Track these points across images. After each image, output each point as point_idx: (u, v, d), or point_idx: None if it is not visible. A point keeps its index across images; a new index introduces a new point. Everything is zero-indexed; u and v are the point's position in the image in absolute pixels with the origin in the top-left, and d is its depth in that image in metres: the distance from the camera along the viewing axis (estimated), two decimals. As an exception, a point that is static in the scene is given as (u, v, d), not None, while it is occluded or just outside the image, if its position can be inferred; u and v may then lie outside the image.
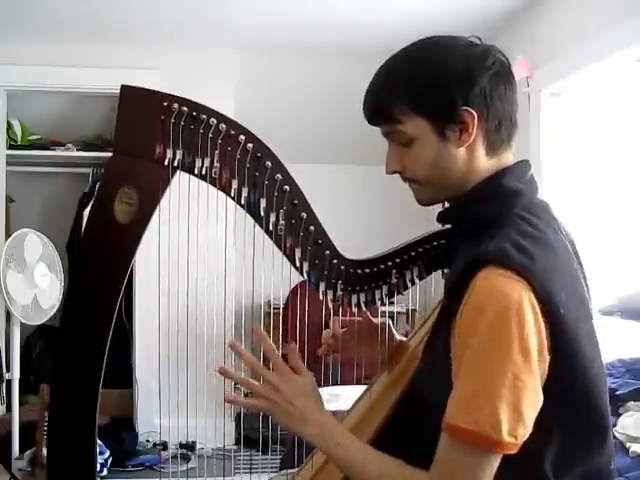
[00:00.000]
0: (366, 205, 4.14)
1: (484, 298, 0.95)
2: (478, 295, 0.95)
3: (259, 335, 1.15)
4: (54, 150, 4.02)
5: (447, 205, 1.15)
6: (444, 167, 1.07)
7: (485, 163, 1.08)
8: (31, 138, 4.08)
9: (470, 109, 1.03)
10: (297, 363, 1.14)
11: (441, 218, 1.16)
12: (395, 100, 1.06)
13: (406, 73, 1.07)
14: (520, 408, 0.92)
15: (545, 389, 0.95)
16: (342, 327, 1.40)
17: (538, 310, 0.94)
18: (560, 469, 1.00)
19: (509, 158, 1.11)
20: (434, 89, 1.04)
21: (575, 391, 0.99)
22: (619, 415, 2.05)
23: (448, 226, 1.23)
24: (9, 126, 3.86)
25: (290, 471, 1.41)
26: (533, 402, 0.94)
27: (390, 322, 1.39)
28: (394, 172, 1.12)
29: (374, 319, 1.37)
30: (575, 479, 1.02)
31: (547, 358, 0.95)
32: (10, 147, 3.82)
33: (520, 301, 0.93)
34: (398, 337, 1.43)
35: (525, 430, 0.93)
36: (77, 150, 4.03)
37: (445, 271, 1.31)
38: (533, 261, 0.96)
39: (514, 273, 0.94)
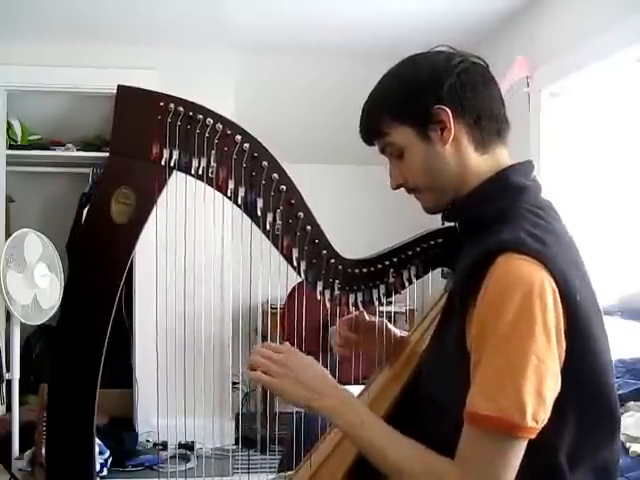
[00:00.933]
0: (366, 205, 4.14)
1: (505, 283, 0.96)
2: (498, 281, 0.96)
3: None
4: (54, 150, 4.02)
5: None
6: (437, 169, 1.11)
7: (477, 160, 1.10)
8: (31, 138, 4.08)
9: (443, 106, 1.08)
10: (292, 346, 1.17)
11: (447, 216, 1.18)
12: (378, 115, 1.13)
13: (384, 89, 1.15)
14: (543, 391, 0.93)
15: (560, 374, 0.96)
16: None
17: (557, 294, 0.95)
18: (574, 462, 1.01)
19: (504, 155, 1.13)
20: (408, 95, 1.10)
21: (586, 377, 1.00)
22: (619, 415, 2.05)
23: (447, 225, 1.24)
24: (9, 126, 3.86)
25: (289, 473, 1.41)
26: (553, 385, 0.95)
27: (386, 320, 1.40)
28: (399, 186, 1.17)
29: (370, 317, 1.38)
30: (587, 472, 1.03)
31: (564, 343, 0.96)
32: (10, 147, 3.82)
33: (542, 284, 0.94)
34: (398, 333, 1.43)
35: (545, 414, 0.94)
36: (77, 150, 4.03)
37: (445, 270, 1.31)
38: (548, 248, 0.98)
39: (532, 259, 0.96)
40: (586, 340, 0.99)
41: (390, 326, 1.41)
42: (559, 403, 0.96)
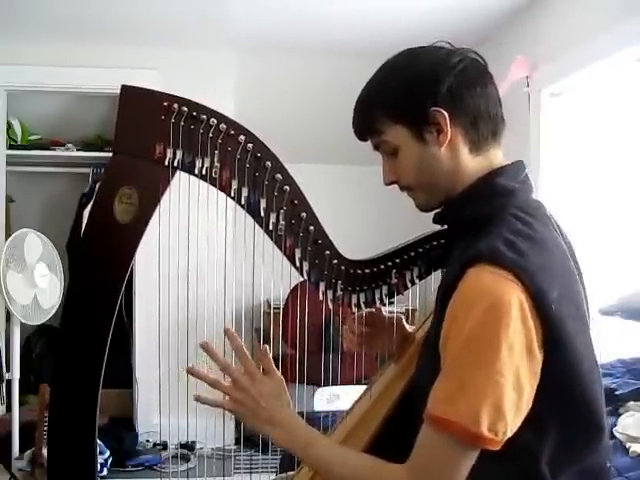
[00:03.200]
0: (365, 205, 4.14)
1: (472, 295, 0.96)
2: (466, 291, 0.96)
3: (229, 334, 1.14)
4: (54, 150, 4.02)
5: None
6: (430, 169, 1.10)
7: (471, 161, 1.09)
8: (31, 138, 4.08)
9: (440, 109, 1.06)
10: (268, 365, 1.15)
11: (437, 219, 1.17)
12: (373, 112, 1.11)
13: (379, 86, 1.12)
14: (502, 405, 0.93)
15: (538, 387, 0.96)
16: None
17: (528, 308, 0.94)
18: (556, 468, 1.01)
19: (498, 156, 1.12)
20: (404, 96, 1.08)
21: (565, 387, 1.00)
22: (619, 415, 2.05)
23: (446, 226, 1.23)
24: (9, 126, 3.86)
25: (290, 473, 1.42)
26: (515, 400, 0.94)
27: (402, 316, 1.40)
28: (391, 183, 1.16)
29: (386, 314, 1.38)
30: (571, 478, 1.03)
31: (539, 356, 0.95)
32: (10, 147, 3.82)
33: (509, 299, 0.93)
34: (409, 329, 1.43)
35: (506, 427, 0.94)
36: (77, 150, 4.03)
37: (445, 271, 1.31)
38: (525, 258, 0.97)
39: (505, 270, 0.95)
40: (564, 351, 0.98)
41: (404, 323, 1.41)
42: (539, 412, 0.96)
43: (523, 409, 0.95)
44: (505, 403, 0.93)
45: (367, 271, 1.26)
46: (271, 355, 1.16)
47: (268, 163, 1.20)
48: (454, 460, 0.95)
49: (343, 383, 2.40)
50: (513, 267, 0.95)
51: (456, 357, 0.96)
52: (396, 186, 1.18)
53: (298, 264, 1.23)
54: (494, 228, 1.02)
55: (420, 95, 1.07)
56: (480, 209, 1.07)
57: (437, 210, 1.16)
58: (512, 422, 0.94)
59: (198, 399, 1.13)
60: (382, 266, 1.27)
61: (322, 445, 1.11)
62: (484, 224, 1.04)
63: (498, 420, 0.93)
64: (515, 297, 0.94)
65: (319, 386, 2.94)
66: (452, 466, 0.95)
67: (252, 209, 1.21)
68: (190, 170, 1.20)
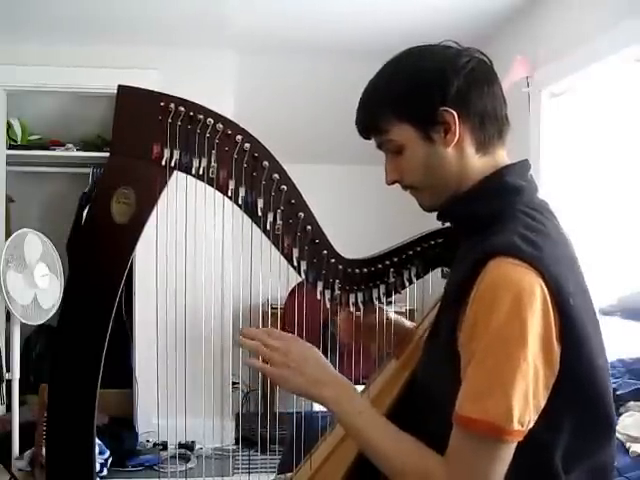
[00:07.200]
0: (364, 205, 4.14)
1: (496, 287, 0.95)
2: (489, 285, 0.96)
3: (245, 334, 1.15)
4: (54, 150, 4.02)
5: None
6: (436, 169, 1.09)
7: (477, 161, 1.09)
8: (31, 138, 4.09)
9: (449, 109, 1.05)
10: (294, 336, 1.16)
11: (442, 216, 1.17)
12: (379, 111, 1.10)
13: (386, 84, 1.11)
14: (529, 396, 0.93)
15: (555, 380, 0.96)
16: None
17: (549, 300, 0.94)
18: (569, 464, 1.01)
19: (503, 155, 1.12)
20: (412, 95, 1.07)
21: (582, 382, 1.00)
22: (619, 415, 2.05)
23: (447, 224, 1.23)
24: (9, 126, 3.87)
25: (289, 474, 1.41)
26: (541, 389, 0.94)
27: (390, 314, 1.38)
28: (394, 182, 1.15)
29: (372, 316, 1.37)
30: (583, 474, 1.03)
31: (556, 348, 0.95)
32: (10, 147, 3.83)
33: (532, 288, 0.94)
34: (408, 324, 1.43)
35: (530, 417, 0.94)
36: (77, 150, 4.03)
37: (445, 270, 1.31)
38: (541, 252, 0.97)
39: (524, 263, 0.95)
40: (580, 344, 0.98)
41: (396, 319, 1.40)
42: (555, 406, 0.96)
43: (541, 401, 0.95)
44: (531, 393, 0.93)
45: (365, 270, 1.26)
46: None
47: (265, 163, 1.20)
48: (492, 458, 0.95)
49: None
50: (531, 260, 0.95)
51: (484, 351, 0.95)
52: (395, 186, 1.17)
53: (296, 264, 1.23)
54: (505, 224, 1.02)
55: (429, 95, 1.06)
56: (489, 206, 1.07)
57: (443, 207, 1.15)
58: (533, 412, 0.94)
59: (247, 363, 1.13)
60: (380, 265, 1.26)
61: (376, 418, 1.08)
62: (493, 221, 1.04)
63: (525, 409, 0.93)
64: (538, 286, 0.94)
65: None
66: (489, 463, 0.95)
67: (249, 209, 1.21)
68: (187, 170, 1.20)
